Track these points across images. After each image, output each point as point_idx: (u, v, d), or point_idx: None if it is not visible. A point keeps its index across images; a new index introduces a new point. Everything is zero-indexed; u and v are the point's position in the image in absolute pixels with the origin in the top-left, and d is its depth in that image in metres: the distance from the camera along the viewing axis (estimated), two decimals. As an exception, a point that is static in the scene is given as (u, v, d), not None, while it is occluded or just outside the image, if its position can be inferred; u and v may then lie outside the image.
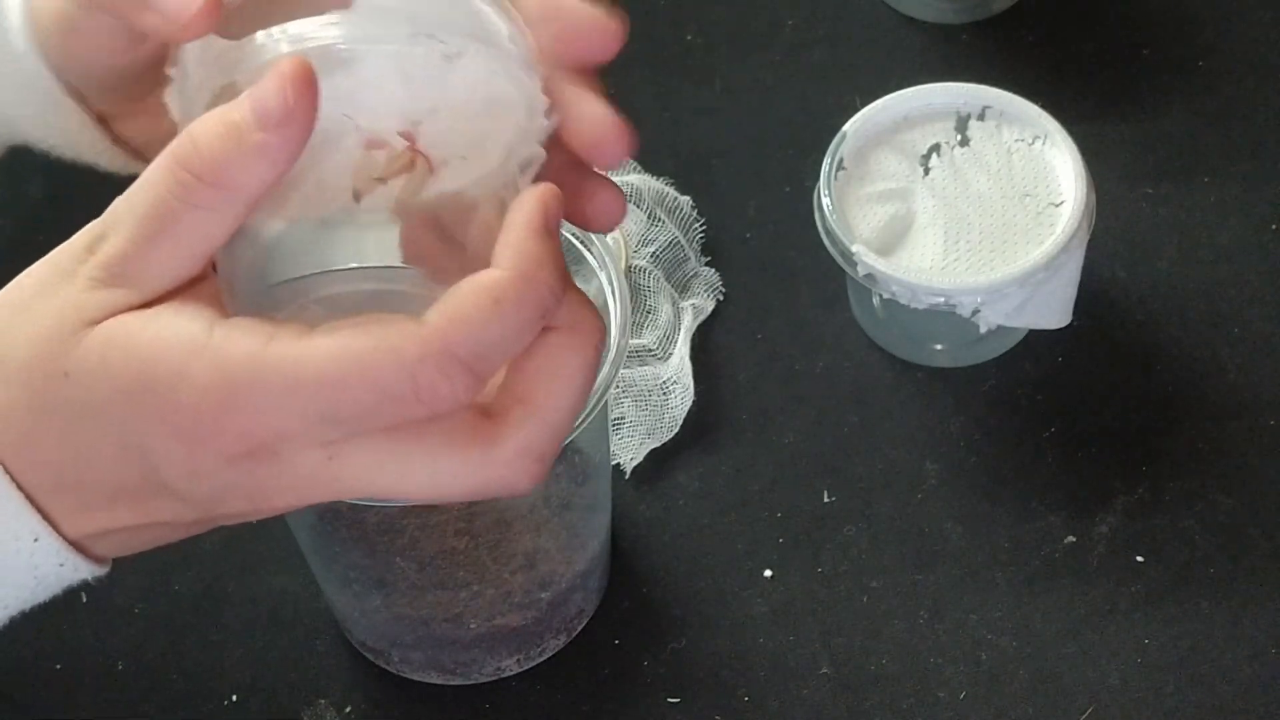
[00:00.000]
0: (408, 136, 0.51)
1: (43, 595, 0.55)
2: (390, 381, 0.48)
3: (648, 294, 0.86)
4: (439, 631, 0.75)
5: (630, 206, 0.88)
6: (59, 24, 0.59)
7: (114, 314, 0.50)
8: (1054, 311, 0.82)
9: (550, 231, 0.50)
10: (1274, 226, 0.89)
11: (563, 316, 0.51)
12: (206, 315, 0.50)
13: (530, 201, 0.50)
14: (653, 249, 0.87)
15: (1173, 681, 0.76)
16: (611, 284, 0.72)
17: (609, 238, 0.86)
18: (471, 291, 0.49)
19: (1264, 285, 0.87)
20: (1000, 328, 0.82)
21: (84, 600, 0.80)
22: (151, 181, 0.50)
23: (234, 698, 0.78)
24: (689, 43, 0.98)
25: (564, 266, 0.50)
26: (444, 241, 0.51)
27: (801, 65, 0.96)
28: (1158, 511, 0.80)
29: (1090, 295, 0.85)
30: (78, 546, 0.53)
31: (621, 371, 0.79)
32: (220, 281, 0.52)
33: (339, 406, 0.48)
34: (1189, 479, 0.81)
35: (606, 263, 0.72)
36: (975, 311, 0.80)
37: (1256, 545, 0.79)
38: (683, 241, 0.88)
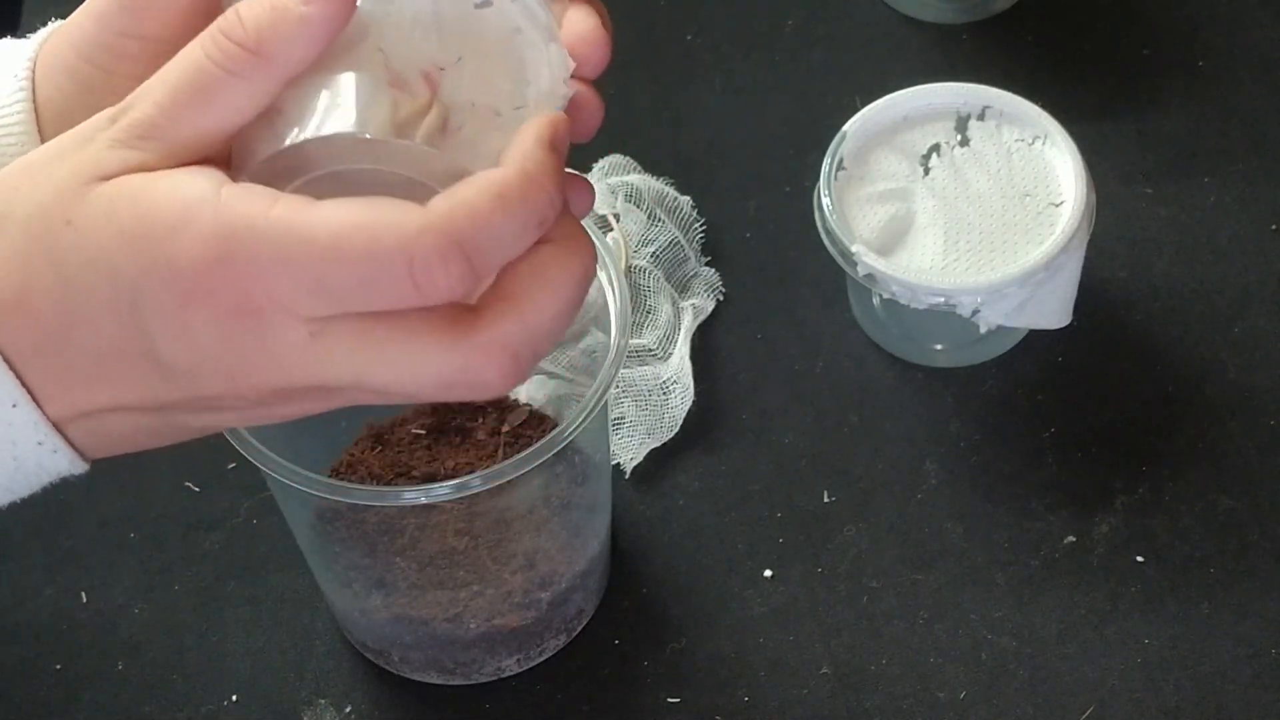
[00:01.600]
0: (430, 80, 0.51)
1: (21, 485, 0.56)
2: (388, 257, 0.49)
3: (648, 294, 0.86)
4: (439, 631, 0.75)
5: (630, 206, 0.88)
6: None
7: (131, 172, 0.51)
8: (1054, 311, 0.82)
9: (557, 147, 0.51)
10: (1274, 226, 0.89)
11: (557, 232, 0.51)
12: (217, 175, 0.51)
13: (541, 120, 0.52)
14: (653, 249, 0.87)
15: (1173, 681, 0.76)
16: (611, 284, 0.72)
17: (609, 238, 0.86)
18: (477, 184, 0.50)
19: (1264, 285, 0.87)
20: (1000, 328, 0.82)
21: (84, 600, 0.80)
22: (190, 52, 0.51)
23: (234, 698, 0.78)
24: (689, 43, 0.98)
25: (564, 184, 0.51)
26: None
27: (801, 65, 0.96)
28: (1158, 511, 0.80)
29: (1090, 295, 0.85)
30: (55, 428, 0.53)
31: (621, 371, 0.79)
32: (234, 158, 0.52)
33: (333, 276, 0.49)
34: (1189, 479, 0.81)
35: (606, 263, 0.73)
36: (975, 311, 0.80)
37: (1256, 545, 0.79)
38: (683, 241, 0.88)
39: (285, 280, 0.49)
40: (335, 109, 0.51)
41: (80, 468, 0.55)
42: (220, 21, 0.51)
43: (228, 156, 0.52)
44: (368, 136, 0.51)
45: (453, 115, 0.52)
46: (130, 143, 0.51)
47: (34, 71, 0.59)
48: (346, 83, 0.51)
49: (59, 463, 0.55)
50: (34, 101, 0.59)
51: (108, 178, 0.51)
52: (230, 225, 0.49)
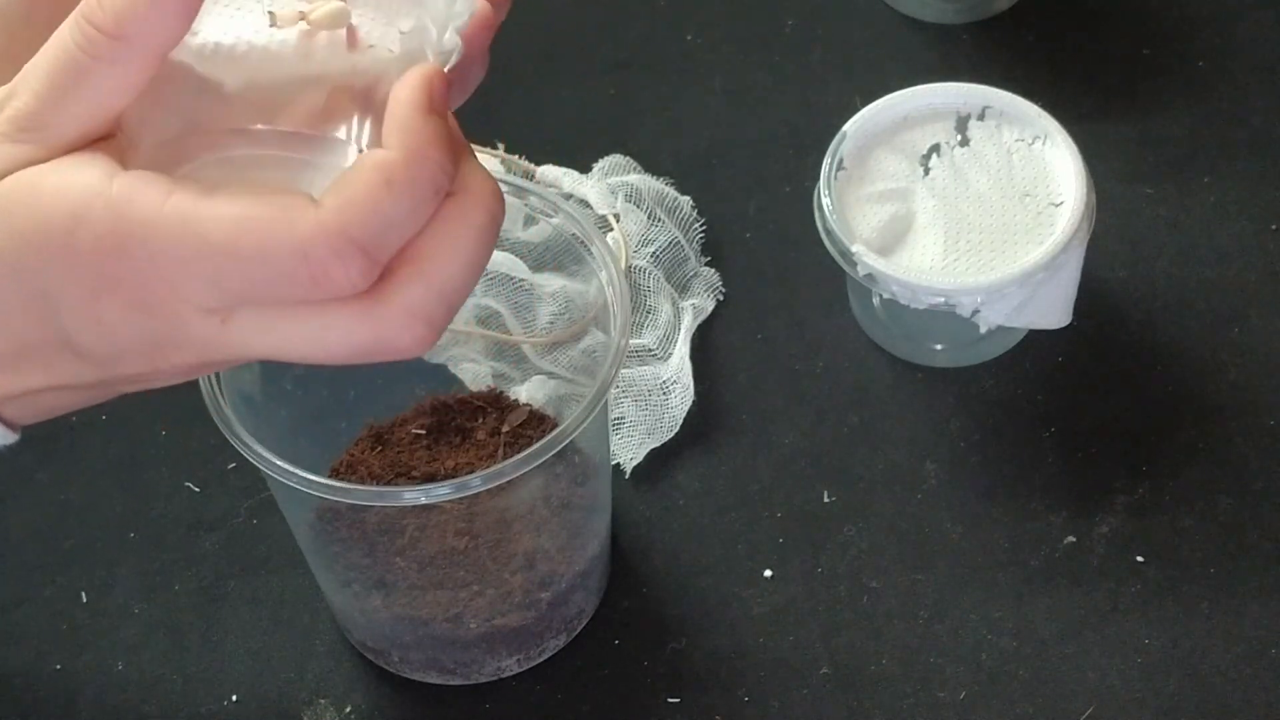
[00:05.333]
0: None
1: None
2: (284, 258, 0.49)
3: (648, 294, 0.86)
4: (439, 631, 0.75)
5: (630, 206, 0.88)
6: None
7: (18, 168, 0.51)
8: (1054, 311, 0.82)
9: (436, 109, 0.51)
10: (1274, 226, 0.89)
11: (457, 184, 0.51)
12: (107, 166, 0.50)
13: (414, 80, 0.51)
14: (653, 249, 0.87)
15: (1173, 681, 0.76)
16: (611, 284, 0.72)
17: (609, 238, 0.86)
18: (363, 173, 0.49)
19: (1264, 285, 0.87)
20: (1000, 328, 0.82)
21: (84, 600, 0.80)
22: (58, 39, 0.51)
23: (234, 698, 0.78)
24: (689, 43, 0.98)
25: (454, 140, 0.51)
26: (365, 110, 0.52)
27: (801, 65, 0.96)
28: (1158, 511, 0.80)
29: (1090, 295, 0.85)
30: None
31: (621, 371, 0.79)
32: (124, 137, 0.52)
33: (232, 276, 0.49)
34: (1189, 479, 0.81)
35: (607, 263, 0.73)
36: (975, 311, 0.80)
37: (1256, 545, 0.79)
38: (683, 241, 0.88)
39: (184, 277, 0.50)
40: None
41: (12, 439, 0.56)
42: (83, 6, 0.50)
43: (118, 131, 0.52)
44: (260, 127, 0.51)
45: (356, 28, 0.52)
46: (14, 135, 0.51)
47: None
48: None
49: None
50: None
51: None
52: (126, 219, 0.50)
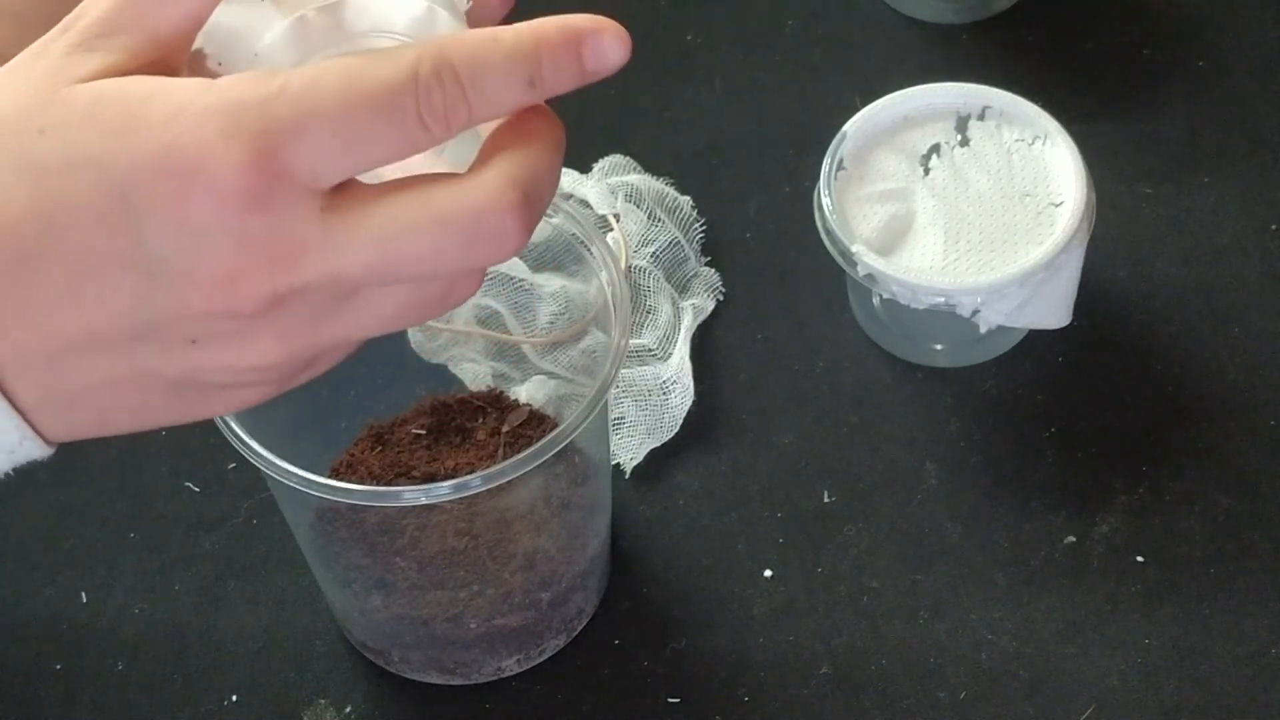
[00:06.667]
0: None
1: None
2: (395, 77, 0.48)
3: (648, 294, 0.86)
4: (439, 631, 0.75)
5: (630, 206, 0.88)
6: None
7: (98, 76, 0.48)
8: (1054, 311, 0.82)
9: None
10: (1274, 226, 0.89)
11: (530, 109, 0.51)
12: (203, 79, 0.49)
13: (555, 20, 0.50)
14: (653, 249, 0.87)
15: (1173, 681, 0.76)
16: (611, 284, 0.72)
17: (609, 238, 0.86)
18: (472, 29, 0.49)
19: (1264, 285, 0.87)
20: (1000, 328, 0.82)
21: (84, 600, 0.80)
22: None
23: (234, 698, 0.78)
24: (689, 43, 0.98)
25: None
26: None
27: (801, 65, 0.96)
28: (1158, 511, 0.80)
29: (1090, 295, 0.85)
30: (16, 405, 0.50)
31: (621, 371, 0.79)
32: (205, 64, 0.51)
33: (350, 118, 0.47)
34: (1189, 479, 0.81)
35: (607, 263, 0.73)
36: (975, 311, 0.80)
37: (1256, 545, 0.79)
38: (683, 241, 0.88)
39: (302, 147, 0.47)
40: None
41: (43, 452, 0.51)
42: None
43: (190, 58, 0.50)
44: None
45: None
46: (91, 44, 0.49)
47: None
48: None
49: (7, 433, 0.50)
50: None
51: (77, 81, 0.48)
52: (238, 101, 0.47)
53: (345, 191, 0.49)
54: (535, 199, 0.50)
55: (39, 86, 0.48)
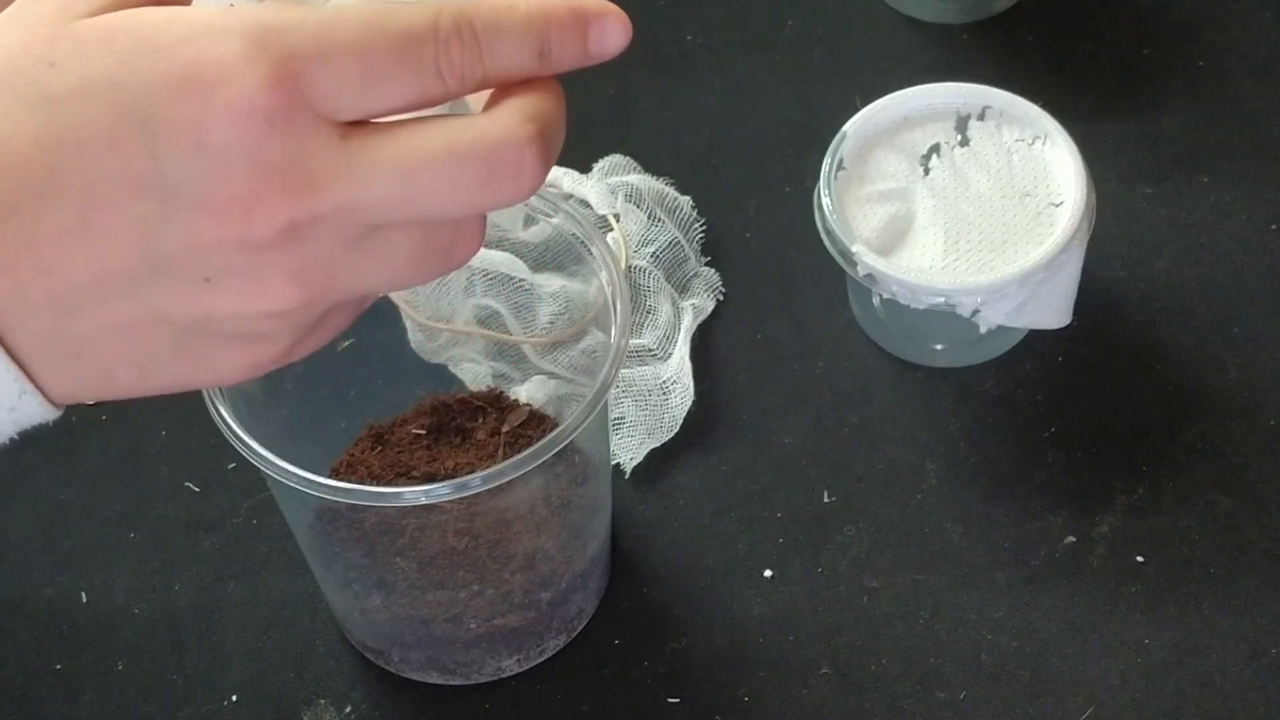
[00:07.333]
0: None
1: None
2: (417, 25, 0.48)
3: (648, 294, 0.86)
4: (439, 631, 0.75)
5: (630, 206, 0.88)
6: None
7: (108, 10, 0.48)
8: (1054, 311, 0.82)
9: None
10: (1274, 226, 0.89)
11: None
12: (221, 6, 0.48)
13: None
14: (653, 249, 0.87)
15: (1173, 681, 0.76)
16: (611, 284, 0.72)
17: (609, 238, 0.86)
18: None
19: (1264, 285, 0.87)
20: (1000, 328, 0.82)
21: (84, 600, 0.80)
22: None
23: (234, 698, 0.78)
24: (689, 43, 0.98)
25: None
26: None
27: (801, 65, 0.96)
28: (1158, 511, 0.80)
29: (1090, 295, 0.85)
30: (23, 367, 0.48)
31: (621, 371, 0.79)
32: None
33: (371, 54, 0.47)
34: (1189, 479, 0.81)
35: (607, 263, 0.73)
36: (975, 311, 0.80)
37: (1256, 545, 0.79)
38: (683, 241, 0.88)
39: (322, 75, 0.47)
40: None
41: (50, 415, 0.50)
42: None
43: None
44: None
45: None
46: None
47: None
48: None
49: (5, 385, 0.48)
50: None
51: (87, 15, 0.47)
52: (261, 24, 0.46)
53: (363, 125, 0.49)
54: (550, 138, 0.50)
55: (48, 22, 0.47)
